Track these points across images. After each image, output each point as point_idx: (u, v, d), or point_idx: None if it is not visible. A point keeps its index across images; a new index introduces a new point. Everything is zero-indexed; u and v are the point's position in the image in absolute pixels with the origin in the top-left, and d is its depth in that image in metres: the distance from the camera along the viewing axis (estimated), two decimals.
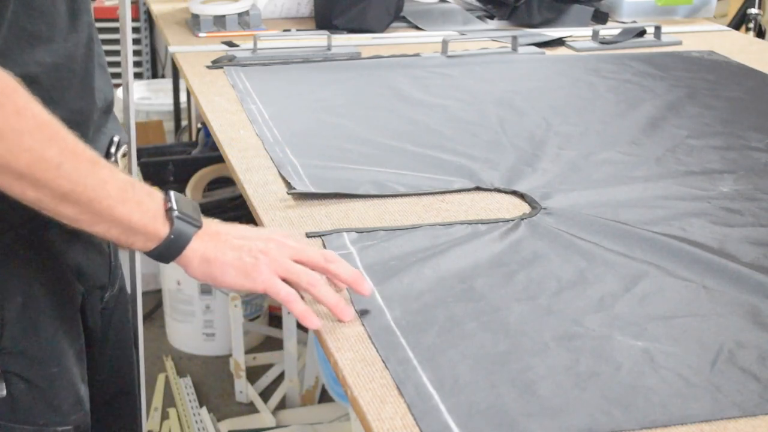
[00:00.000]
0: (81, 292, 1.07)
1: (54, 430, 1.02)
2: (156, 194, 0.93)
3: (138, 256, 1.27)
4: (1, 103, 0.81)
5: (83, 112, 1.00)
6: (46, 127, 0.84)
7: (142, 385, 1.27)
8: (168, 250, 0.92)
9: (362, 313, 0.95)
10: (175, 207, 0.92)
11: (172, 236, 0.91)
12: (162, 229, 0.91)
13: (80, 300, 1.07)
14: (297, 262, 0.95)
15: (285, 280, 0.93)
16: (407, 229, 1.13)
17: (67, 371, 1.03)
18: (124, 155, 1.09)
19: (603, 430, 0.79)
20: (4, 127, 0.81)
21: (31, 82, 0.87)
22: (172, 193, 0.94)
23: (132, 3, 3.63)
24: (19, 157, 0.82)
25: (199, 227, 0.93)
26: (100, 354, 1.14)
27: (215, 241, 0.94)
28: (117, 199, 0.88)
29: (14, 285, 0.98)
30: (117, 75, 2.55)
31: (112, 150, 1.06)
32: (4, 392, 0.98)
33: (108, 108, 1.08)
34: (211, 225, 0.96)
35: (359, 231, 1.12)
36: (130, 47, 1.24)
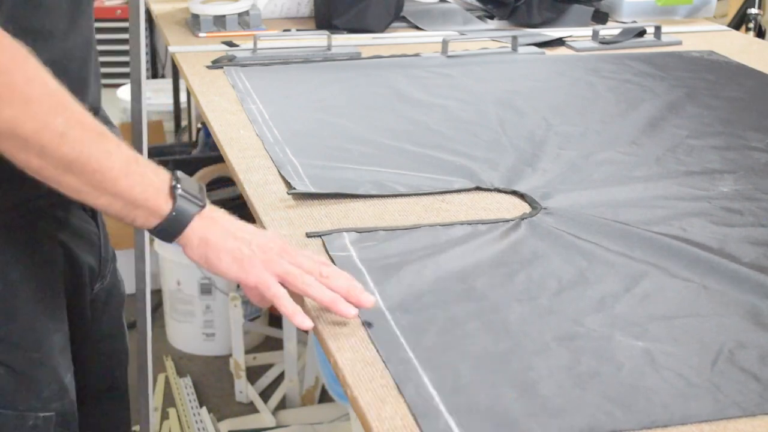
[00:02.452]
0: (68, 281, 1.06)
1: (35, 415, 1.02)
2: (161, 171, 0.93)
3: (148, 260, 1.26)
4: (10, 69, 0.82)
5: None
6: (53, 96, 0.85)
7: (150, 384, 1.26)
8: (170, 228, 0.92)
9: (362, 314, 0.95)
10: (179, 185, 0.92)
11: (174, 213, 0.91)
12: (164, 206, 0.91)
13: (64, 288, 1.06)
14: (291, 260, 0.94)
15: (279, 281, 0.93)
16: (407, 229, 1.13)
17: (48, 358, 1.03)
18: None
19: (604, 430, 0.79)
20: (13, 93, 0.82)
21: None
22: (178, 172, 0.94)
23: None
24: (25, 123, 0.83)
25: (202, 207, 0.93)
26: (90, 347, 1.14)
27: (217, 226, 0.93)
28: (121, 172, 0.88)
29: None
30: (117, 75, 2.53)
31: None
32: None
33: (94, 113, 1.09)
34: (216, 211, 0.96)
35: (359, 231, 1.12)
36: (143, 54, 1.23)
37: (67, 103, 0.86)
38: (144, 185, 0.90)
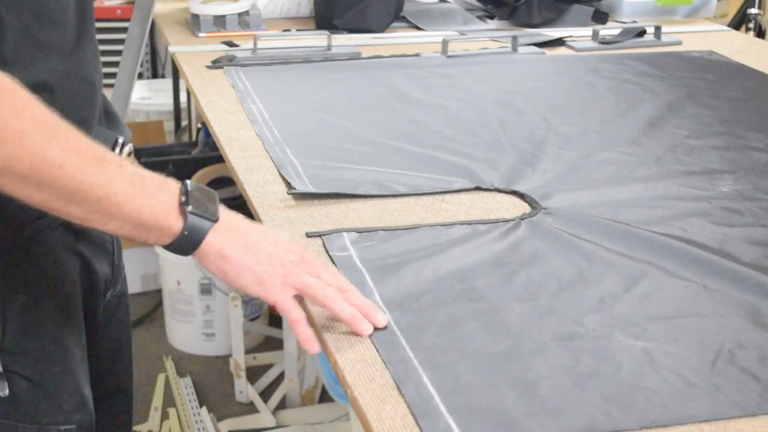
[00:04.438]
0: (84, 291, 1.07)
1: (57, 429, 1.02)
2: (170, 186, 0.90)
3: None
4: None
5: (86, 121, 1.00)
6: (47, 127, 0.82)
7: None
8: (183, 244, 0.89)
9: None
10: (188, 201, 0.89)
11: (186, 232, 0.88)
12: (175, 224, 0.88)
13: (82, 298, 1.07)
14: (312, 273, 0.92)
15: (300, 294, 0.92)
16: (407, 229, 1.13)
17: (70, 370, 1.03)
18: (129, 154, 1.10)
19: (603, 430, 0.79)
20: (3, 129, 0.79)
21: (44, 89, 0.88)
22: (188, 183, 0.91)
23: (130, 3, 3.62)
24: (21, 159, 0.80)
25: (214, 221, 0.90)
26: (98, 352, 1.14)
27: (234, 238, 0.91)
28: (126, 195, 0.85)
29: (17, 284, 0.98)
30: (114, 75, 2.52)
31: (116, 151, 1.07)
32: (7, 391, 0.98)
33: (106, 114, 1.09)
34: (233, 220, 0.92)
35: (359, 231, 1.12)
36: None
37: (61, 132, 0.83)
38: (152, 206, 0.87)
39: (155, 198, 0.87)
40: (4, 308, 0.97)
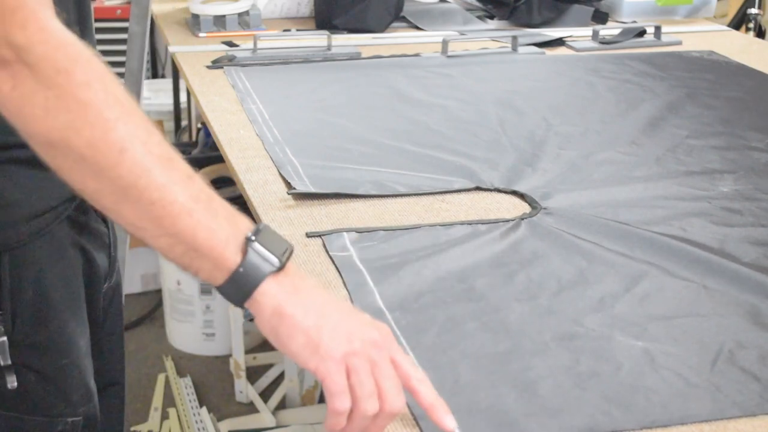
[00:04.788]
0: (86, 284, 1.07)
1: (64, 421, 1.03)
2: (240, 219, 0.78)
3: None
4: (69, 70, 0.73)
5: None
6: (117, 105, 0.74)
7: None
8: (237, 287, 0.77)
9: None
10: (254, 237, 0.77)
11: (241, 269, 0.76)
12: (232, 258, 0.76)
13: (84, 292, 1.07)
14: (376, 366, 0.77)
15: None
16: (407, 229, 1.13)
17: (77, 363, 1.04)
18: None
19: (603, 430, 0.79)
20: (69, 96, 0.72)
21: None
22: (263, 224, 0.79)
23: (129, 2, 3.62)
24: (80, 132, 0.72)
25: (276, 267, 0.77)
26: (95, 344, 1.15)
27: (299, 297, 0.77)
28: (184, 208, 0.74)
29: (25, 278, 0.98)
30: (117, 75, 2.52)
31: None
32: (15, 384, 0.99)
33: None
34: (304, 279, 0.79)
35: (359, 231, 1.12)
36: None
37: (132, 116, 0.74)
38: (210, 229, 0.75)
39: (217, 222, 0.76)
40: (13, 302, 0.98)
